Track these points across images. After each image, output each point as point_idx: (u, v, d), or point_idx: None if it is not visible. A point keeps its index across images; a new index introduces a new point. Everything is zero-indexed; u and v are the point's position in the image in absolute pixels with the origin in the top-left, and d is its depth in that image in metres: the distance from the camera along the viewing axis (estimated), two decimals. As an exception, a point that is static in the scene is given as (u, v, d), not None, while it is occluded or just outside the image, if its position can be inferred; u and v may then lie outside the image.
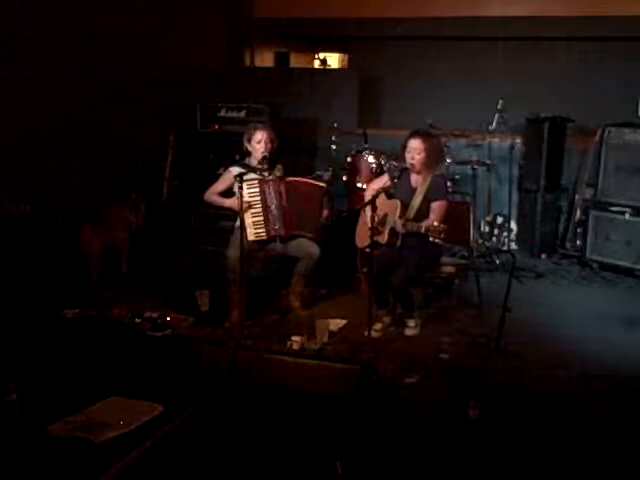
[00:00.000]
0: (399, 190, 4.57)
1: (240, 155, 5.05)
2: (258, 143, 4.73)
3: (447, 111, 6.42)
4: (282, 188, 4.67)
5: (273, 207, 4.65)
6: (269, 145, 4.74)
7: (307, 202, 4.72)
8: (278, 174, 4.81)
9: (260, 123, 5.06)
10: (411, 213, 4.46)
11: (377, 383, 3.45)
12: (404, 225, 4.32)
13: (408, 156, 4.50)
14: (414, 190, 4.54)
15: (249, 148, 4.80)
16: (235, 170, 4.69)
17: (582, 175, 6.41)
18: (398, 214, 4.37)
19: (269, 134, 4.76)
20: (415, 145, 4.48)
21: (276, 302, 4.97)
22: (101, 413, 3.04)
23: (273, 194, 4.65)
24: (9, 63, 4.96)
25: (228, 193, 4.80)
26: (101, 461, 2.65)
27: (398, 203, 4.42)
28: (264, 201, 4.65)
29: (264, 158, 4.72)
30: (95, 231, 5.34)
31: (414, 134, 4.55)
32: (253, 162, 4.78)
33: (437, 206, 4.47)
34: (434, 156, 4.57)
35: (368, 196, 4.43)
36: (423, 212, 4.46)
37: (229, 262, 4.57)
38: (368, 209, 4.19)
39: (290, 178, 4.80)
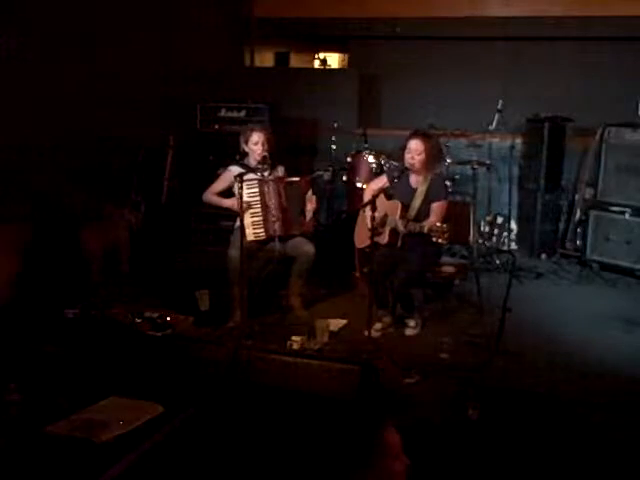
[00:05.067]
0: (399, 191, 4.58)
1: (240, 155, 5.04)
2: (255, 145, 4.70)
3: (447, 111, 6.43)
4: (281, 188, 4.66)
5: (272, 207, 4.63)
6: (266, 146, 4.70)
7: (302, 199, 4.71)
8: (280, 174, 4.81)
9: (256, 124, 5.00)
10: (412, 214, 4.46)
11: (377, 383, 3.46)
12: (405, 225, 4.32)
13: (408, 157, 4.51)
14: (414, 191, 4.54)
15: (246, 149, 4.77)
16: (235, 170, 4.67)
17: (582, 175, 6.41)
18: (399, 215, 4.38)
19: (266, 135, 4.73)
20: (415, 146, 4.49)
21: (276, 302, 4.96)
22: (101, 413, 3.04)
23: (272, 194, 4.63)
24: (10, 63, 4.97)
25: (226, 193, 4.79)
26: (101, 461, 2.65)
27: (399, 204, 4.42)
28: (263, 201, 4.62)
29: (264, 158, 4.69)
30: (95, 231, 5.33)
31: (414, 135, 4.56)
32: (252, 163, 4.76)
33: (437, 206, 4.47)
34: (434, 156, 4.60)
35: (367, 197, 4.43)
36: (423, 212, 4.47)
37: (230, 262, 4.56)
38: (368, 209, 4.17)
39: (288, 179, 4.78)
